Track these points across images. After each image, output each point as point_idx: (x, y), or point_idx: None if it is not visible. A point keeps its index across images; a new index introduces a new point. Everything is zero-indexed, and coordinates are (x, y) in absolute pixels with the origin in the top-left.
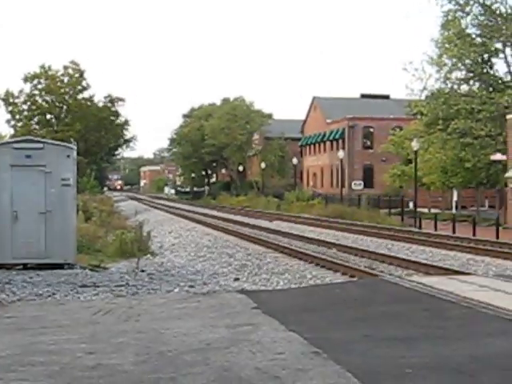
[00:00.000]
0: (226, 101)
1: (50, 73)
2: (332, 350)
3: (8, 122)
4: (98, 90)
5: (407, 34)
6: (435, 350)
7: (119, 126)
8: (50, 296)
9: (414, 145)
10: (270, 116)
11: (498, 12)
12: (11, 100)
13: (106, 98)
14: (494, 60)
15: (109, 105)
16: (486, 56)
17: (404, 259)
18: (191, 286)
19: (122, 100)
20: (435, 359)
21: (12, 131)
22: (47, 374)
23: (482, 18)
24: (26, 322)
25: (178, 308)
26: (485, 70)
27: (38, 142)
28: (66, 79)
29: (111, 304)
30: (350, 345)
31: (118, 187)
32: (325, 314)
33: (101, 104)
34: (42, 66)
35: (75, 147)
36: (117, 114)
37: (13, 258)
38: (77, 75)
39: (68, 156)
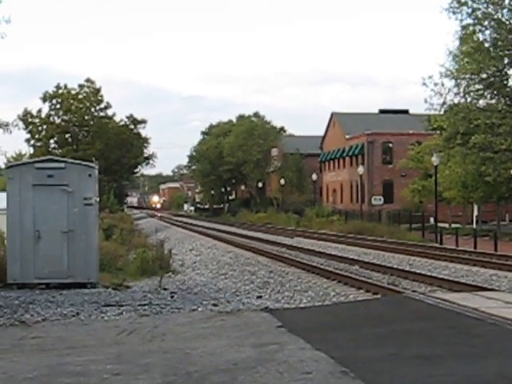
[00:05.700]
0: (241, 117)
1: (65, 91)
2: (359, 369)
3: (28, 141)
4: (118, 109)
5: (427, 47)
6: (462, 368)
7: (139, 145)
8: (74, 316)
9: (434, 159)
10: (284, 130)
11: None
12: (30, 119)
13: (128, 118)
14: (510, 73)
15: (131, 126)
16: (503, 69)
17: (427, 275)
18: (215, 305)
19: (144, 122)
20: (463, 377)
21: (32, 150)
22: None
23: (494, 35)
24: (52, 342)
25: (203, 327)
26: (504, 83)
27: (60, 161)
28: (82, 97)
29: (136, 324)
30: (377, 363)
31: (159, 206)
32: (350, 332)
33: (122, 123)
34: (58, 86)
35: (97, 166)
36: (138, 136)
37: (35, 277)
38: (93, 92)
39: (90, 175)
